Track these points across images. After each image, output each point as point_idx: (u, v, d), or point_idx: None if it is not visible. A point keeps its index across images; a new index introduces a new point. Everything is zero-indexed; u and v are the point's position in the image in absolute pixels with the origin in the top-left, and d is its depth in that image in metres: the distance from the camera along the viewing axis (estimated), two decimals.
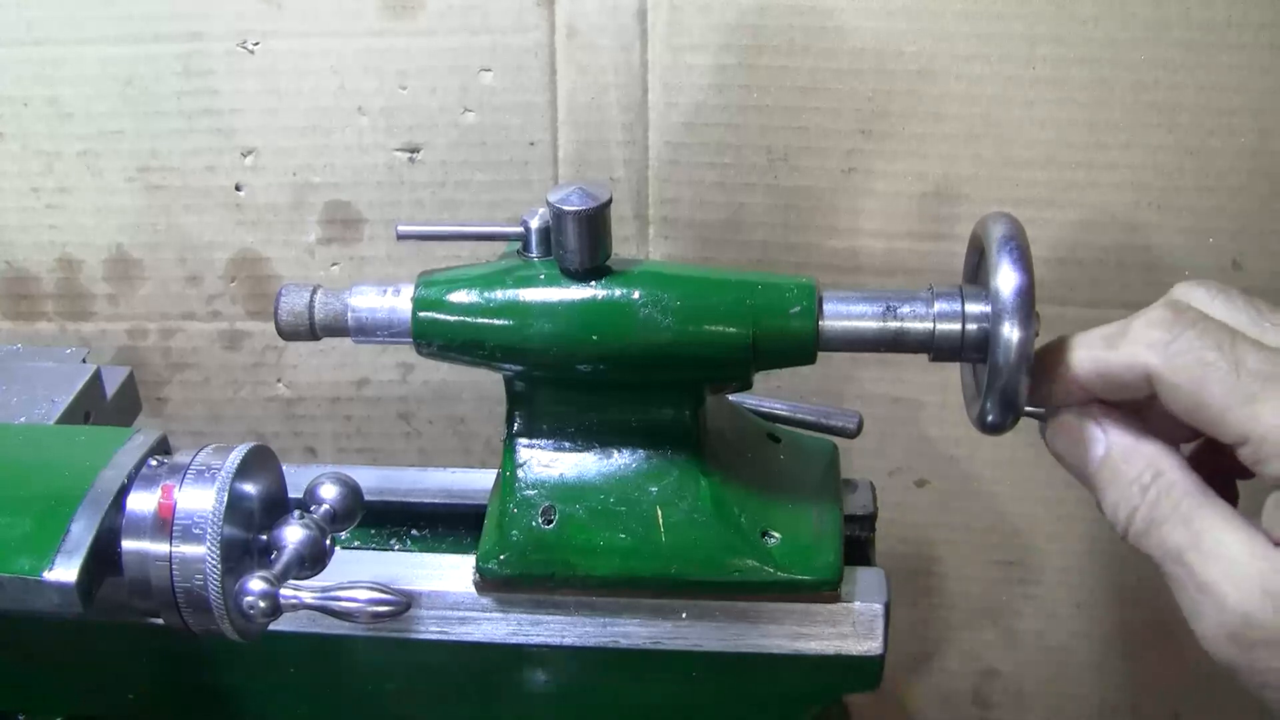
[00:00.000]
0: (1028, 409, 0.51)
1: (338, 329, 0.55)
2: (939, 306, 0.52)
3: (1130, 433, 0.49)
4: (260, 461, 0.53)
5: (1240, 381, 0.44)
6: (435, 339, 0.54)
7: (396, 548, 0.64)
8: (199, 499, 0.50)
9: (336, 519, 0.53)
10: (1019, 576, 0.90)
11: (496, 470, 0.59)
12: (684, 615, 0.55)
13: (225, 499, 0.50)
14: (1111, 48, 0.75)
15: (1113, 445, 0.49)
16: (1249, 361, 0.44)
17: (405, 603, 0.50)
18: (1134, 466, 0.48)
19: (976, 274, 0.54)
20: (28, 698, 0.65)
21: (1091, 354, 0.48)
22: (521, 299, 0.53)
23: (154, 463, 0.53)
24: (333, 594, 0.50)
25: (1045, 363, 0.50)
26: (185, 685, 0.62)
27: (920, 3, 0.75)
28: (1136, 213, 0.79)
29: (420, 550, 0.63)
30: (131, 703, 0.63)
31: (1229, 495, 0.49)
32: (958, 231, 0.79)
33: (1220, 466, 0.50)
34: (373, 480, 0.63)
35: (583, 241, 0.52)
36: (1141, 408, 0.51)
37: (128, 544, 0.50)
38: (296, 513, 0.52)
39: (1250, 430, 0.43)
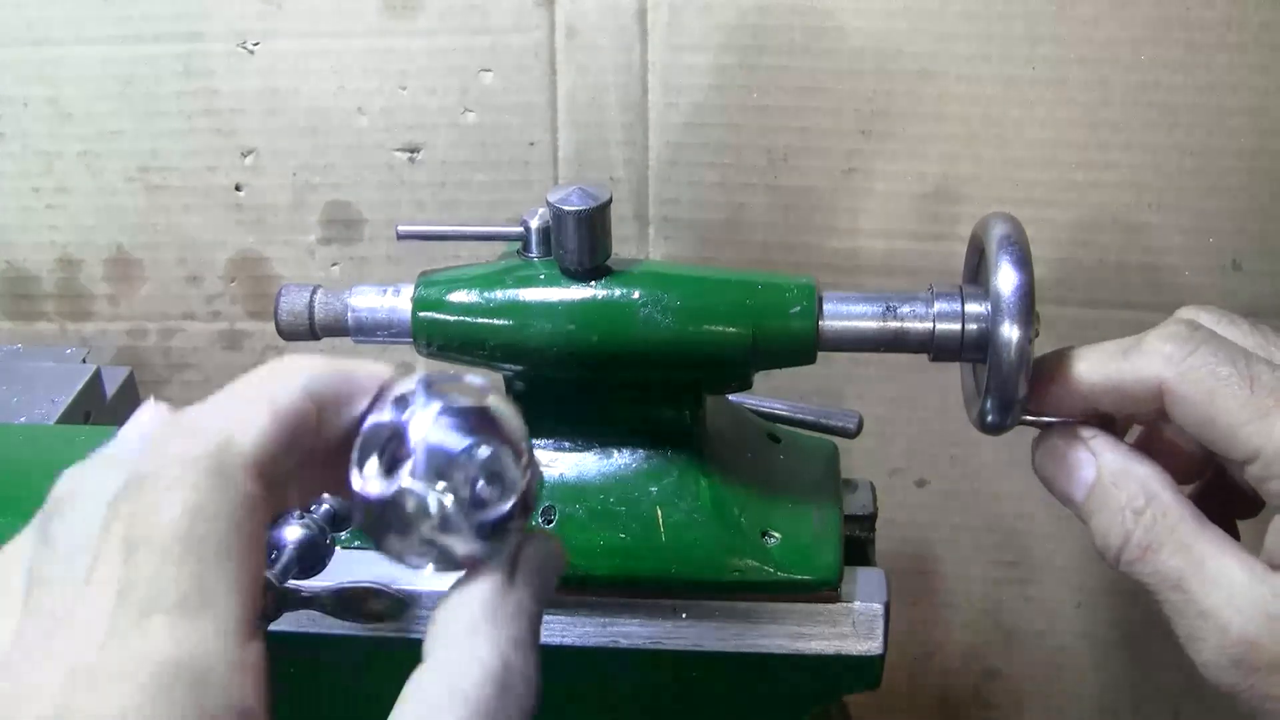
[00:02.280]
0: (1027, 417, 0.51)
1: (338, 329, 0.55)
2: (939, 306, 0.52)
3: (1122, 456, 0.48)
4: None
5: (1254, 397, 0.43)
6: (435, 339, 0.54)
7: None
8: None
9: (336, 519, 0.53)
10: (1019, 576, 0.90)
11: None
12: (684, 615, 0.55)
13: None
14: (1111, 48, 0.75)
15: (1104, 468, 0.48)
16: (1263, 378, 0.44)
17: (405, 603, 0.50)
18: (1126, 490, 0.47)
19: (976, 274, 0.54)
20: None
21: (1103, 364, 0.47)
22: (521, 299, 0.52)
23: None
24: (333, 594, 0.50)
25: (1049, 369, 0.49)
26: None
27: (920, 3, 0.75)
28: (1136, 213, 0.79)
29: None
30: None
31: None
32: (958, 231, 0.79)
33: (1220, 507, 0.49)
34: None
35: (583, 241, 0.52)
36: (1145, 437, 0.51)
37: None
38: (296, 512, 0.52)
39: (1262, 445, 0.43)
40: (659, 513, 0.54)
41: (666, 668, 0.57)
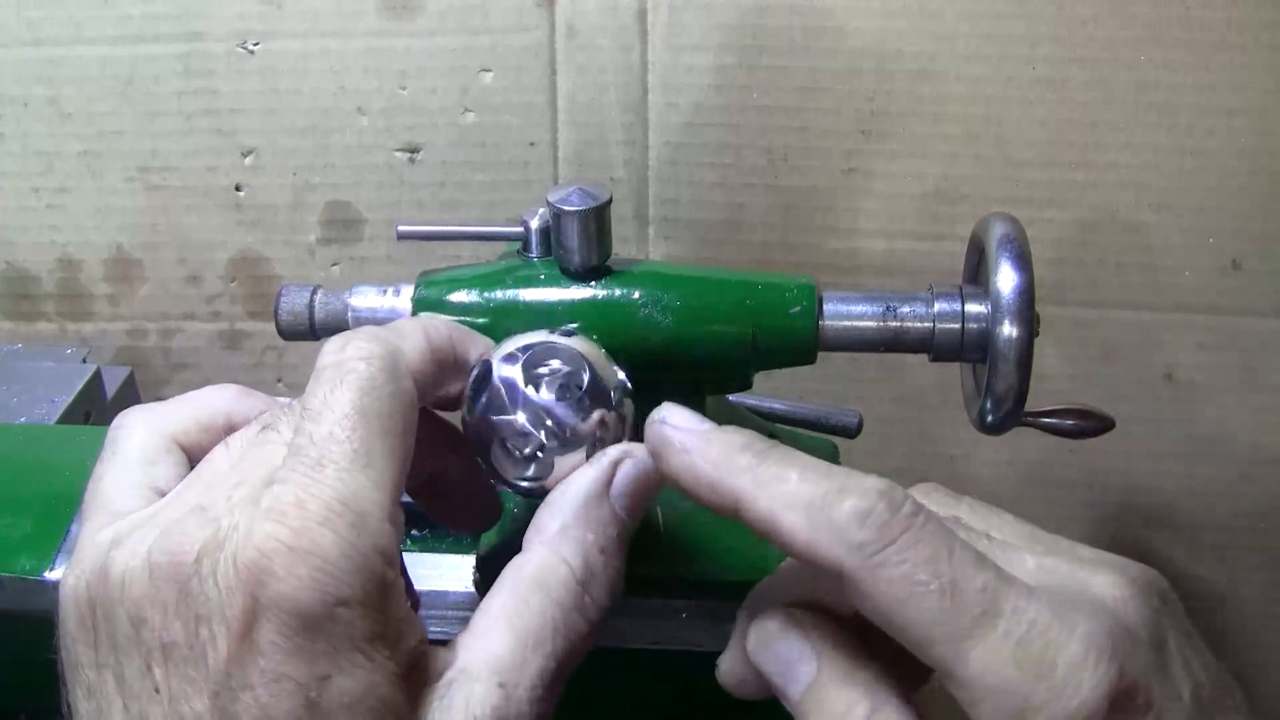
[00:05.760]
0: (1027, 417, 0.51)
1: (338, 329, 0.55)
2: (939, 306, 0.52)
3: (845, 653, 0.40)
4: None
5: (951, 612, 0.36)
6: None
7: None
8: None
9: None
10: None
11: None
12: (684, 615, 0.55)
13: None
14: (1111, 48, 0.75)
15: (824, 667, 0.40)
16: (967, 588, 0.36)
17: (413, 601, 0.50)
18: (845, 698, 0.40)
19: (976, 274, 0.54)
20: (28, 697, 0.65)
21: (793, 521, 0.38)
22: (521, 299, 0.52)
23: None
24: None
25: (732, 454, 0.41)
26: None
27: (920, 3, 0.75)
28: (1136, 213, 0.79)
29: (420, 550, 0.63)
30: None
31: None
32: (958, 231, 0.79)
33: None
34: None
35: (583, 241, 0.52)
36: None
37: None
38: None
39: (955, 669, 0.36)
40: (659, 513, 0.54)
41: (666, 668, 0.57)
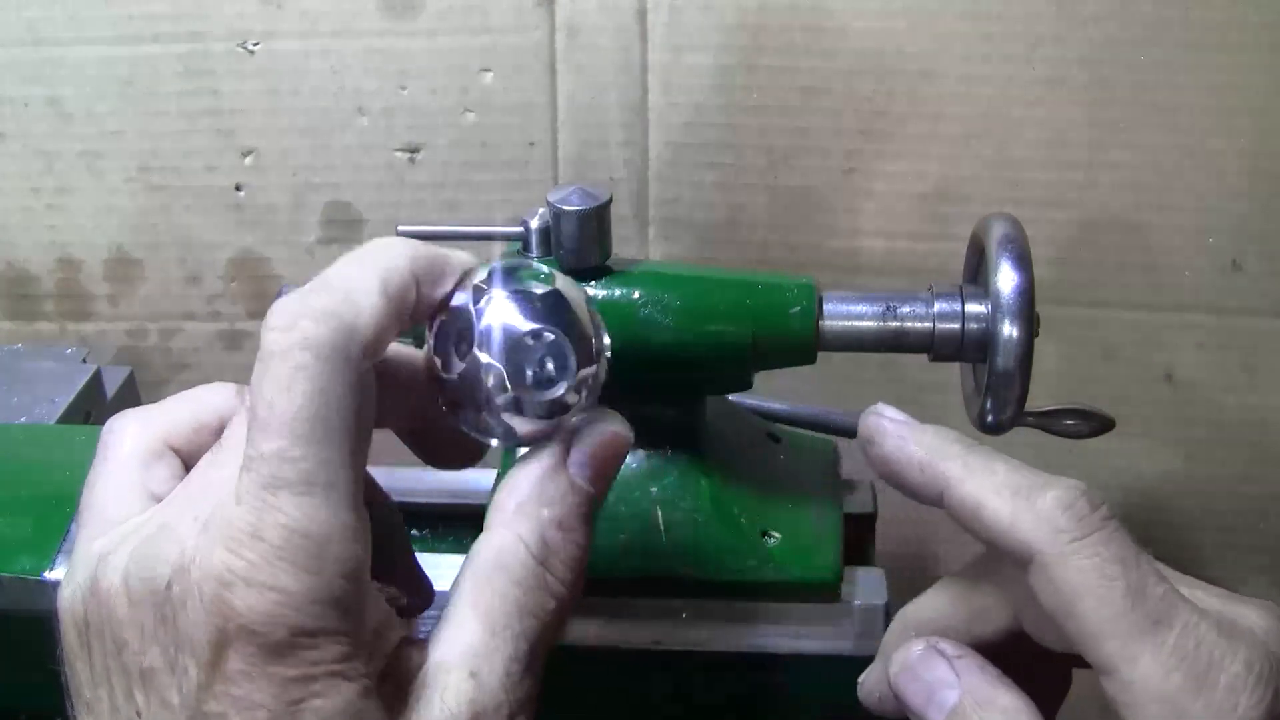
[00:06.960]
0: (1028, 418, 0.51)
1: None
2: (939, 306, 0.52)
3: (988, 681, 0.42)
4: None
5: (1132, 612, 0.38)
6: None
7: None
8: None
9: None
10: None
11: (496, 470, 0.59)
12: (684, 615, 0.55)
13: None
14: (1111, 48, 0.75)
15: (966, 694, 0.42)
16: (1149, 593, 0.38)
17: (404, 601, 0.50)
18: None
19: (976, 274, 0.54)
20: (29, 697, 0.65)
21: (998, 504, 0.41)
22: None
23: None
24: None
25: (940, 453, 0.43)
26: None
27: (920, 3, 0.75)
28: (1136, 213, 0.79)
29: (420, 550, 0.63)
30: None
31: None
32: (958, 231, 0.79)
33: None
34: None
35: (583, 241, 0.52)
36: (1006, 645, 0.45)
37: None
38: None
39: (1121, 668, 0.38)
40: (659, 513, 0.54)
41: (667, 668, 0.57)
